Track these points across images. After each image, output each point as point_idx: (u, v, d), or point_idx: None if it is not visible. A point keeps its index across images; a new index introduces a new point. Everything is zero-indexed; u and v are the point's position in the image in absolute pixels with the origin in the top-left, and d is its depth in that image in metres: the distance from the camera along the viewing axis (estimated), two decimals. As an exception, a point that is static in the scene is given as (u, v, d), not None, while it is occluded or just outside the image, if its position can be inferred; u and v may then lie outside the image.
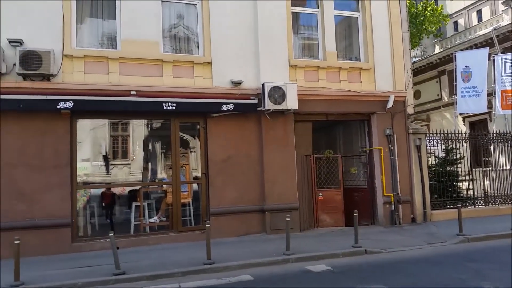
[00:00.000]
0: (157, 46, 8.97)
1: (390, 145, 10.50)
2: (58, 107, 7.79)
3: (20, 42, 7.86)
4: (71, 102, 7.85)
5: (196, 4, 9.55)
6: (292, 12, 10.15)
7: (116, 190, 10.07)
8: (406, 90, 10.88)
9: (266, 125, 9.40)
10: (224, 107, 8.97)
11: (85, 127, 8.99)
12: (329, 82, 10.17)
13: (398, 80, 10.78)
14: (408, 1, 15.39)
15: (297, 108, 9.24)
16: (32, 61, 7.67)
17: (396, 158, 10.51)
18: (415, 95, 17.60)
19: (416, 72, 19.88)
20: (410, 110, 11.20)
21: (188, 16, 9.62)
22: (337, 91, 10.13)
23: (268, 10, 9.71)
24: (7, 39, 7.78)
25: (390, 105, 10.36)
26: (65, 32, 8.28)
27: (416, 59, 20.66)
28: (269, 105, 9.00)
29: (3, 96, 7.58)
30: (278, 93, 9.07)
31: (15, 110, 7.71)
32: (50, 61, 7.77)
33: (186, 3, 9.55)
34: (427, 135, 11.63)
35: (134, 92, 8.51)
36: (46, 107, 7.81)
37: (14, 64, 7.71)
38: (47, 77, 7.94)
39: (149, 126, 9.88)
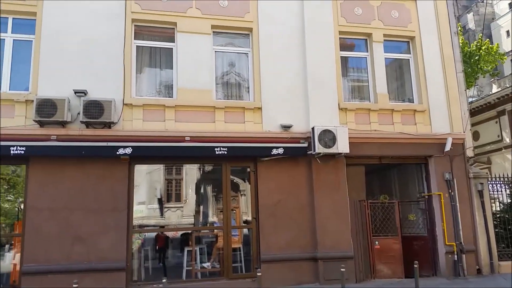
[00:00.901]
0: (210, 94, 9.39)
1: (450, 190, 10.03)
2: (117, 153, 8.24)
3: (84, 93, 8.52)
4: (130, 148, 8.28)
5: (247, 53, 9.98)
6: (341, 56, 10.31)
7: (169, 233, 10.27)
8: (464, 132, 10.51)
9: (317, 169, 9.35)
10: (274, 151, 9.07)
11: (141, 171, 9.40)
12: (381, 124, 10.05)
13: (455, 122, 10.46)
14: (461, 41, 15.15)
15: (348, 151, 9.16)
16: (94, 110, 8.26)
17: (458, 204, 9.99)
18: (474, 137, 16.83)
19: (473, 112, 19.14)
20: (469, 152, 10.73)
21: (239, 63, 10.06)
22: (390, 134, 9.97)
23: (317, 55, 9.93)
24: (73, 90, 8.47)
25: (448, 148, 10.00)
26: (125, 82, 8.90)
27: (473, 99, 19.97)
28: (319, 148, 8.99)
29: (67, 143, 8.15)
30: (328, 137, 9.07)
31: (78, 156, 8.25)
32: (111, 110, 8.33)
33: (237, 52, 10.01)
34: (490, 179, 11.00)
35: (188, 138, 8.85)
36: (107, 153, 8.28)
37: (78, 113, 8.32)
38: (108, 125, 8.48)
39: (202, 169, 10.17)
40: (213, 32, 9.80)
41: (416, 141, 10.08)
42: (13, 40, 8.81)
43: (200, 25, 9.62)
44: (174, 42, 9.54)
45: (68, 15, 8.91)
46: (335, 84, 9.93)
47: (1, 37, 8.72)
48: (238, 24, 9.95)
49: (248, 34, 10.06)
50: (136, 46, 9.37)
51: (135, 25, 9.40)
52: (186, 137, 8.84)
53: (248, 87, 9.87)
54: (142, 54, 9.49)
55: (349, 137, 9.22)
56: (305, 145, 9.33)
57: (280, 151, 9.08)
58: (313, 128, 9.16)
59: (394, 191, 11.70)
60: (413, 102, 10.67)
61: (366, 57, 10.64)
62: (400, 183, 11.68)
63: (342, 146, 9.12)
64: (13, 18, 8.88)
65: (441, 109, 10.48)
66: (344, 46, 10.52)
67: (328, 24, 10.24)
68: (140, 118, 8.85)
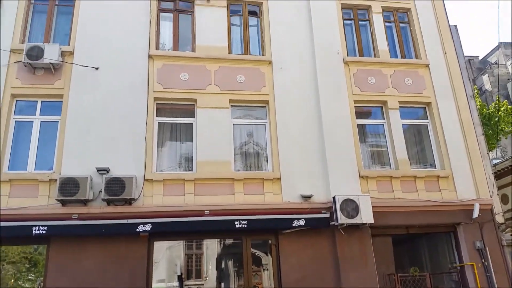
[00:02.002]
0: (229, 165, 9.58)
1: (483, 260, 9.63)
2: (137, 230, 8.32)
3: (107, 170, 8.81)
4: (150, 224, 8.37)
5: (265, 124, 10.29)
6: (358, 124, 10.52)
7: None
8: (491, 197, 10.29)
9: (341, 241, 9.17)
10: (295, 223, 8.99)
11: (161, 247, 9.35)
12: (404, 192, 9.96)
13: (480, 187, 10.31)
14: (478, 104, 15.33)
15: (373, 221, 9.01)
16: (116, 187, 8.48)
17: (493, 275, 9.52)
18: (503, 200, 16.37)
19: (499, 175, 18.79)
20: (499, 218, 10.46)
21: (257, 133, 10.37)
22: (415, 202, 9.85)
23: (333, 124, 10.18)
24: (96, 168, 8.78)
25: (475, 214, 9.76)
26: (147, 158, 9.21)
27: (497, 161, 19.71)
28: (342, 219, 8.88)
29: (88, 222, 8.30)
30: (350, 206, 8.99)
31: (98, 234, 8.33)
32: (132, 186, 8.54)
33: (255, 124, 10.33)
34: (526, 246, 10.53)
35: (208, 211, 8.92)
36: (127, 231, 8.37)
37: (100, 191, 8.54)
38: (129, 201, 8.66)
39: (222, 243, 10.05)
40: (231, 105, 10.22)
41: (442, 209, 9.89)
42: (41, 121, 9.38)
43: (219, 100, 10.09)
44: (194, 117, 9.97)
45: (93, 96, 9.50)
46: (354, 152, 10.04)
47: (30, 120, 9.32)
48: (255, 97, 10.40)
49: (265, 106, 10.45)
50: (158, 122, 9.81)
51: (157, 103, 9.92)
52: (205, 211, 8.91)
53: (267, 156, 10.06)
54: (163, 129, 9.90)
55: (373, 206, 9.12)
56: (327, 215, 9.25)
57: (302, 222, 9.00)
58: (334, 198, 9.13)
59: (424, 263, 11.27)
60: (435, 168, 10.62)
61: (383, 124, 10.83)
62: (430, 254, 11.28)
63: (366, 216, 8.99)
64: (42, 101, 9.54)
65: (465, 174, 10.38)
66: (360, 114, 10.77)
67: (342, 94, 10.60)
68: (160, 193, 9.01)
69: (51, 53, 9.35)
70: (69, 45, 10.00)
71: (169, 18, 11.06)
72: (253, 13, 11.55)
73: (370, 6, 11.99)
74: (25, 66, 9.45)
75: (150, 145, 9.39)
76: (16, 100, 9.52)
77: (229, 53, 10.75)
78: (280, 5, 11.41)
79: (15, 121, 9.36)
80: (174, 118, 10.05)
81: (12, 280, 8.68)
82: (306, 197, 9.49)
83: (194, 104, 10.05)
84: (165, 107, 10.08)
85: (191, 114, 10.03)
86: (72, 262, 8.27)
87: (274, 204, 9.35)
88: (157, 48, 10.52)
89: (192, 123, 9.94)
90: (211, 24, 10.89)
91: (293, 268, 8.96)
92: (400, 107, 10.85)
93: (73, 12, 10.42)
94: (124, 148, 9.18)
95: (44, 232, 8.02)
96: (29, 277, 8.88)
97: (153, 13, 10.69)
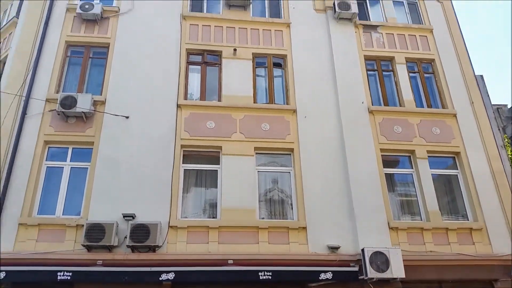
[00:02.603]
0: (254, 213, 9.56)
1: (524, 320, 9.00)
2: (160, 279, 8.25)
3: (133, 216, 8.94)
4: (173, 273, 8.30)
5: (290, 171, 10.32)
6: (386, 173, 10.43)
7: None
8: (530, 251, 9.80)
9: (370, 296, 8.81)
10: (322, 276, 8.72)
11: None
12: (436, 245, 9.64)
13: (517, 240, 9.85)
14: (510, 154, 15.02)
15: (404, 276, 8.67)
16: (141, 234, 8.56)
17: (537, 337, 8.86)
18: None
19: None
20: (540, 275, 9.82)
21: (282, 180, 10.38)
22: (448, 255, 9.50)
23: (360, 174, 10.15)
24: (122, 214, 8.93)
25: (514, 271, 9.28)
26: (172, 205, 9.33)
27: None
28: (371, 273, 8.59)
29: (112, 269, 8.30)
30: (380, 259, 8.72)
31: (119, 282, 8.28)
32: (157, 233, 8.60)
33: (280, 171, 10.38)
34: None
35: (231, 261, 8.80)
36: (149, 279, 8.31)
37: (125, 237, 8.63)
38: (153, 249, 8.69)
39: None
40: (256, 153, 10.37)
41: (477, 263, 9.47)
42: (71, 167, 9.72)
43: (243, 148, 10.27)
44: (219, 164, 10.13)
45: (122, 144, 9.84)
46: (382, 201, 9.90)
47: (61, 166, 9.68)
48: (280, 145, 10.54)
49: (290, 153, 10.54)
50: (184, 169, 10.00)
51: (183, 150, 10.17)
52: (229, 260, 8.79)
53: (292, 204, 9.99)
54: (189, 176, 10.07)
55: (404, 260, 8.81)
56: (356, 269, 8.97)
57: (329, 275, 8.72)
58: (363, 250, 8.90)
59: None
60: (467, 219, 10.31)
61: (412, 173, 10.70)
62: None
63: (397, 270, 8.66)
64: (73, 148, 9.95)
65: (499, 227, 10.02)
66: (387, 163, 10.69)
67: (368, 143, 10.65)
68: (184, 241, 9.02)
69: (83, 103, 9.86)
70: (101, 95, 10.53)
71: (197, 70, 11.58)
72: (277, 65, 12.00)
73: (393, 57, 12.28)
74: (59, 114, 9.96)
75: (176, 192, 9.53)
76: (49, 147, 9.96)
77: (254, 102, 11.08)
78: (304, 57, 11.84)
79: (47, 166, 9.74)
80: (199, 165, 10.24)
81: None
82: (333, 248, 9.28)
83: (219, 151, 10.25)
84: (191, 154, 10.31)
85: (217, 161, 10.21)
86: (95, 309, 8.21)
87: (299, 255, 9.17)
88: (185, 98, 10.95)
89: (217, 170, 10.08)
90: (237, 75, 11.33)
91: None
92: (428, 156, 10.76)
93: (106, 64, 11.09)
94: (150, 194, 9.34)
95: (68, 277, 8.06)
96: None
97: (182, 65, 11.25)
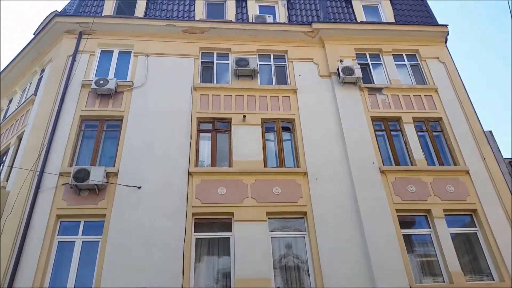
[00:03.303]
0: (269, 283, 9.33)
1: None
2: None
3: (144, 290, 8.73)
4: None
5: (304, 236, 10.16)
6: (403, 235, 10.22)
7: None
8: None
9: None
10: None
11: None
12: (462, 308, 9.17)
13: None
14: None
15: None
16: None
17: None
18: None
19: None
20: None
21: (297, 246, 10.20)
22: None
23: (376, 236, 9.98)
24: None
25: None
26: (184, 275, 9.17)
27: None
28: None
29: None
30: (404, 327, 8.29)
31: None
32: (170, 307, 8.33)
33: (294, 236, 10.23)
34: None
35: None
36: None
37: (137, 312, 8.37)
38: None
39: None
40: (268, 218, 10.31)
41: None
42: (82, 241, 9.71)
43: (256, 213, 10.24)
44: (231, 231, 10.05)
45: (134, 215, 9.91)
46: (402, 263, 9.63)
47: (72, 240, 9.71)
48: (292, 209, 10.52)
49: (303, 217, 10.46)
50: (196, 238, 9.91)
51: (195, 218, 10.17)
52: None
53: (308, 270, 9.74)
54: (201, 245, 9.96)
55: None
56: (379, 337, 8.53)
57: None
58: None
59: None
60: (492, 279, 9.90)
61: (430, 233, 10.45)
62: None
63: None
64: (85, 221, 10.00)
65: (528, 287, 9.55)
66: (404, 223, 10.50)
67: (383, 203, 10.58)
68: (197, 314, 8.72)
69: (96, 175, 10.08)
70: (114, 166, 10.79)
71: (208, 137, 11.91)
72: (286, 129, 12.30)
73: (400, 117, 12.52)
74: (72, 188, 10.16)
75: (188, 262, 9.41)
76: (61, 221, 10.03)
77: (264, 166, 11.21)
78: (312, 120, 12.17)
79: (58, 241, 9.74)
80: (211, 233, 10.16)
81: None
82: (354, 316, 8.90)
83: (231, 218, 10.23)
84: (203, 222, 10.28)
85: (229, 228, 10.15)
86: None
87: (319, 326, 8.79)
88: (197, 165, 11.15)
89: (229, 238, 9.98)
90: (247, 141, 11.60)
91: None
92: (445, 215, 10.59)
93: (119, 136, 11.47)
94: (162, 265, 9.23)
95: None
96: None
97: (193, 134, 11.59)
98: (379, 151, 11.78)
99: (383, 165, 11.43)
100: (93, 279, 9.13)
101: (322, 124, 12.13)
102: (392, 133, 12.43)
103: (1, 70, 15.10)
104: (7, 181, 11.04)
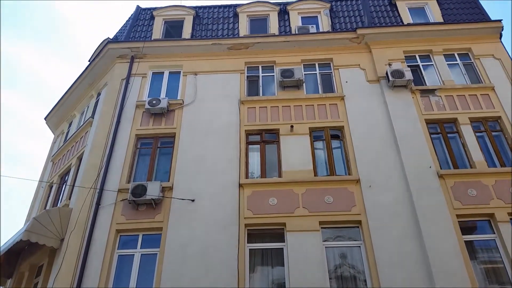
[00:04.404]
0: (325, 294, 9.21)
1: None
2: None
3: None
4: None
5: (359, 246, 10.02)
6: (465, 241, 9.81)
7: None
8: None
9: None
10: None
11: None
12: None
13: None
14: None
15: None
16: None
17: None
18: None
19: None
20: None
21: (352, 255, 10.05)
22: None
23: (437, 242, 9.65)
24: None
25: None
26: (239, 285, 9.33)
27: None
28: None
29: None
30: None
31: None
32: (226, 317, 8.49)
33: (349, 246, 10.11)
34: None
35: None
36: None
37: (195, 322, 8.61)
38: (223, 334, 8.54)
39: None
40: (321, 227, 10.26)
41: None
42: (141, 254, 10.17)
43: (308, 223, 10.25)
44: (284, 241, 10.11)
45: (189, 227, 10.28)
46: (465, 271, 9.22)
47: (131, 253, 10.22)
48: (346, 217, 10.42)
49: (357, 226, 10.32)
50: (249, 249, 10.08)
51: (247, 229, 10.36)
52: None
53: (365, 281, 9.57)
54: (254, 255, 10.10)
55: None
56: None
57: None
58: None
59: None
60: None
61: (494, 239, 9.94)
62: None
63: None
64: (143, 234, 10.48)
65: None
66: (465, 229, 10.07)
67: (442, 209, 10.22)
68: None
69: (153, 190, 10.59)
70: (168, 181, 11.28)
71: (257, 149, 12.15)
72: (335, 137, 12.26)
73: (456, 118, 12.11)
74: (130, 203, 10.71)
75: (243, 274, 9.58)
76: (120, 235, 10.59)
77: (314, 175, 11.21)
78: (362, 126, 12.06)
79: (118, 255, 10.27)
80: (264, 244, 10.27)
81: None
82: (416, 326, 8.60)
83: (283, 228, 10.30)
84: (255, 233, 10.43)
85: (281, 238, 10.23)
86: None
87: (380, 337, 8.57)
88: (247, 177, 11.39)
89: (282, 248, 10.04)
90: (296, 150, 11.70)
91: None
92: (510, 219, 10.02)
93: (173, 152, 11.99)
94: (218, 276, 9.46)
95: None
96: None
97: (242, 146, 11.88)
98: (436, 154, 11.43)
99: (441, 169, 11.07)
100: (152, 291, 9.52)
101: (373, 129, 11.98)
102: (448, 135, 12.02)
103: (62, 96, 16.35)
104: (69, 199, 11.84)
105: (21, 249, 11.82)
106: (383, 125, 12.05)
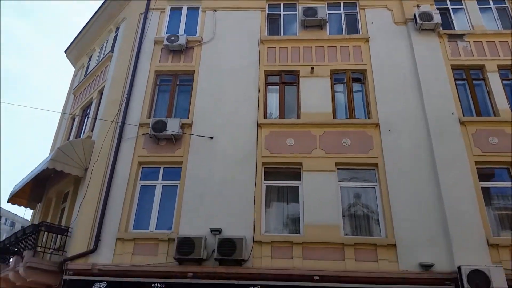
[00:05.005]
0: (338, 230, 9.71)
1: None
2: (247, 292, 8.67)
3: (219, 231, 9.58)
4: (259, 287, 8.69)
5: (374, 187, 10.36)
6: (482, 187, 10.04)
7: None
8: None
9: (470, 317, 8.41)
10: (415, 295, 8.55)
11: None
12: (544, 263, 8.97)
13: None
14: None
15: (508, 296, 8.20)
16: (227, 248, 9.14)
17: None
18: None
19: None
20: None
21: (366, 196, 10.45)
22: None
23: (453, 189, 9.88)
24: (210, 228, 9.62)
25: None
26: (255, 220, 9.83)
27: None
28: (471, 293, 8.25)
29: (202, 281, 8.96)
30: (479, 278, 8.45)
31: (210, 294, 8.88)
32: (243, 247, 9.12)
33: (363, 187, 10.47)
34: None
35: (317, 277, 9.00)
36: (237, 292, 8.76)
37: (213, 251, 9.25)
38: (239, 262, 9.19)
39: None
40: (338, 168, 10.57)
41: None
42: (162, 185, 10.72)
43: (324, 163, 10.56)
44: (300, 180, 10.49)
45: (208, 163, 10.70)
46: (479, 217, 9.52)
47: (153, 184, 10.78)
48: (363, 160, 10.67)
49: (374, 168, 10.60)
50: (266, 186, 10.51)
51: (265, 167, 10.72)
52: (315, 276, 9.00)
53: (378, 220, 9.99)
54: (270, 192, 10.55)
55: (507, 279, 8.37)
56: (452, 287, 8.67)
57: (422, 295, 8.55)
58: (459, 268, 8.62)
59: None
60: None
61: (511, 187, 10.16)
62: None
63: (499, 290, 8.25)
64: (164, 167, 10.99)
65: None
66: (483, 176, 10.27)
67: (461, 155, 10.36)
68: (268, 255, 9.43)
69: (173, 126, 10.91)
70: (188, 118, 11.58)
71: (276, 90, 12.25)
72: (356, 80, 12.24)
73: (483, 65, 11.94)
74: (151, 137, 11.10)
75: (259, 208, 10.05)
76: (142, 167, 11.09)
77: (333, 118, 11.37)
78: (385, 70, 11.98)
79: (141, 185, 10.86)
80: (281, 181, 10.68)
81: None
82: (426, 266, 9.06)
83: (300, 168, 10.63)
84: (272, 171, 10.81)
85: (297, 177, 10.59)
86: (185, 320, 8.84)
87: (389, 273, 9.08)
88: (265, 117, 11.60)
89: (298, 186, 10.44)
90: (315, 93, 11.78)
91: None
92: (530, 168, 10.19)
93: (192, 90, 12.19)
94: (235, 210, 9.97)
95: (162, 289, 8.83)
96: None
97: (261, 87, 11.98)
98: (459, 101, 11.40)
99: (463, 115, 11.10)
100: (173, 221, 10.12)
101: (397, 73, 11.90)
102: (474, 82, 11.92)
103: (81, 29, 16.46)
104: (92, 131, 12.32)
105: (47, 176, 12.58)
106: (407, 69, 11.94)
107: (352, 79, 12.22)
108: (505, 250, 9.18)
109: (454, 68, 12.00)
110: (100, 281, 9.17)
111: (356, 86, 12.19)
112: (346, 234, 9.84)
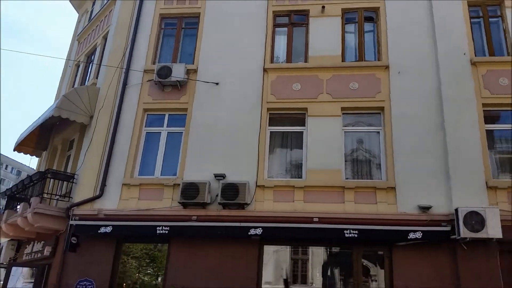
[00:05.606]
0: (339, 174, 10.20)
1: None
2: (249, 233, 9.43)
3: (223, 176, 10.22)
4: (261, 229, 9.44)
5: (379, 131, 10.66)
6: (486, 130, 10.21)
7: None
8: None
9: (462, 257, 9.02)
10: (411, 235, 9.10)
11: (269, 251, 10.15)
12: (542, 204, 9.31)
13: None
14: None
15: (501, 236, 8.68)
16: (231, 192, 9.80)
17: None
18: None
19: None
20: None
21: (369, 141, 10.79)
22: (554, 215, 9.12)
23: (458, 131, 10.06)
24: (214, 174, 10.25)
25: None
26: (259, 165, 10.39)
27: None
28: (464, 233, 8.75)
29: (206, 223, 9.71)
30: (475, 219, 8.82)
31: (214, 236, 9.67)
32: (246, 192, 9.78)
33: (368, 131, 10.79)
34: None
35: (317, 219, 9.64)
36: (239, 234, 9.56)
37: (217, 195, 9.95)
38: (242, 206, 9.90)
39: (328, 251, 10.40)
40: (343, 113, 10.86)
41: None
42: (167, 132, 11.33)
43: (330, 108, 10.83)
44: (304, 126, 10.88)
45: (212, 109, 11.14)
46: (481, 160, 9.78)
47: (158, 131, 11.37)
48: (369, 104, 10.87)
49: (379, 112, 10.83)
50: (270, 131, 10.97)
51: (270, 113, 11.12)
52: (314, 218, 9.64)
53: (379, 164, 10.40)
54: (274, 138, 11.02)
55: (502, 220, 8.80)
56: (448, 228, 9.18)
57: (418, 235, 9.08)
58: (456, 210, 9.04)
59: None
60: None
61: (516, 129, 10.30)
62: None
63: (493, 231, 8.69)
64: (169, 114, 11.55)
65: None
66: (489, 118, 10.39)
67: (469, 97, 10.40)
68: (270, 199, 10.08)
69: (178, 72, 11.26)
70: (193, 63, 11.87)
71: (284, 32, 12.27)
72: (369, 19, 12.08)
73: (502, 1, 11.55)
74: (156, 84, 11.52)
75: (262, 154, 10.57)
76: (147, 114, 11.66)
77: (342, 61, 11.45)
78: (399, 7, 11.74)
79: (146, 132, 11.49)
80: (285, 127, 11.10)
81: (137, 274, 10.48)
82: (424, 208, 9.52)
83: (305, 113, 10.96)
84: (277, 117, 11.19)
85: (302, 122, 10.97)
86: (191, 261, 9.76)
87: (387, 215, 9.59)
88: (272, 61, 11.77)
89: (302, 132, 10.85)
90: (325, 34, 11.75)
91: (408, 283, 9.10)
92: (539, 111, 10.21)
93: (197, 34, 12.36)
94: (239, 156, 10.52)
95: (166, 232, 9.67)
96: (148, 271, 10.61)
97: (269, 29, 12.02)
98: (473, 40, 11.22)
99: (475, 56, 10.99)
100: (178, 167, 10.79)
101: (411, 12, 11.64)
102: (490, 19, 11.63)
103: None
104: (96, 78, 12.81)
105: (53, 124, 13.20)
106: (422, 6, 11.65)
107: (364, 18, 12.05)
108: (503, 192, 9.52)
109: (471, 4, 11.66)
110: (106, 226, 9.91)
111: (367, 26, 12.04)
112: (347, 178, 10.32)
